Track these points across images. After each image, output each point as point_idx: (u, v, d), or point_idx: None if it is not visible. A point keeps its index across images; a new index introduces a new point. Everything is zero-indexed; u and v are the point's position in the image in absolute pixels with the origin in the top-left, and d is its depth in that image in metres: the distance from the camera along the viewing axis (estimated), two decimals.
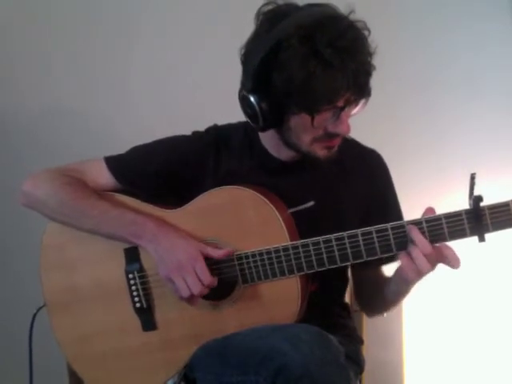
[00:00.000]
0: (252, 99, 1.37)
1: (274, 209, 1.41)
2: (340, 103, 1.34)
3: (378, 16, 2.03)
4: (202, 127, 1.62)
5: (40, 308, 1.60)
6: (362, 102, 1.37)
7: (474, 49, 2.07)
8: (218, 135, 1.58)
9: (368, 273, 1.57)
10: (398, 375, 2.17)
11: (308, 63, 1.30)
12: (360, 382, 1.61)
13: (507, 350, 2.10)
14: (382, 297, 1.53)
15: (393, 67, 2.05)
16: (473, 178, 1.28)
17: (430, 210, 1.34)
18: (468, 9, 2.05)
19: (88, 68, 2.18)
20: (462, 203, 1.32)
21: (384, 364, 2.15)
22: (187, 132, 1.61)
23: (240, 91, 1.40)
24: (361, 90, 1.34)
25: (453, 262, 1.31)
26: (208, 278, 1.40)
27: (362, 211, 1.41)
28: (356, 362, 1.57)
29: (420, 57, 2.10)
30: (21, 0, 2.18)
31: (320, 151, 1.44)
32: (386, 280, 1.50)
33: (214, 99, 1.99)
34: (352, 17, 1.36)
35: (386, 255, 1.35)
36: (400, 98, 2.09)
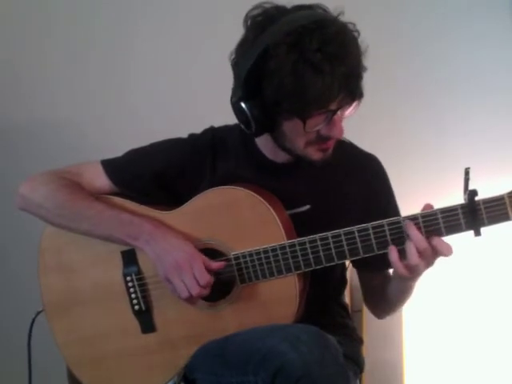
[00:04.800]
0: (243, 106, 1.37)
1: (270, 208, 1.41)
2: (332, 107, 1.34)
3: (378, 15, 2.05)
4: (199, 129, 1.62)
5: (39, 312, 1.60)
6: (355, 103, 1.36)
7: (473, 48, 2.07)
8: (214, 137, 1.58)
9: (375, 278, 1.56)
10: (397, 375, 2.15)
11: (297, 70, 1.29)
12: (360, 381, 1.61)
13: (507, 349, 2.09)
14: (386, 297, 1.52)
15: (392, 66, 2.05)
16: (467, 172, 1.28)
17: (429, 206, 1.33)
18: (468, 9, 2.05)
19: (86, 70, 2.19)
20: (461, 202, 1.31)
21: (384, 364, 2.13)
22: (184, 134, 1.61)
23: (231, 98, 1.40)
24: (352, 93, 1.34)
25: (444, 249, 1.29)
26: (205, 278, 1.40)
27: (358, 216, 1.39)
28: (355, 362, 1.56)
29: (420, 56, 2.10)
30: (21, 0, 2.19)
31: (314, 154, 1.43)
32: (390, 280, 1.51)
33: (211, 101, 1.99)
34: (341, 18, 1.34)
35: (382, 252, 1.34)
36: (399, 97, 2.10)
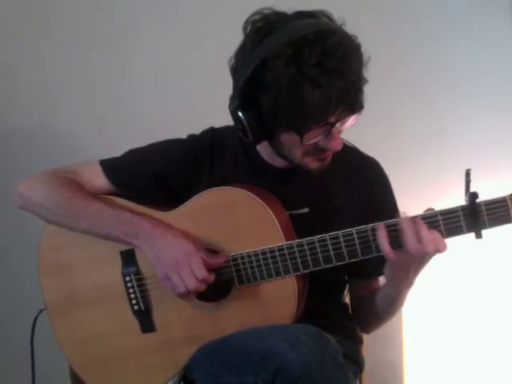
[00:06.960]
0: (240, 115, 1.36)
1: (268, 209, 1.41)
2: (330, 120, 1.33)
3: (378, 15, 2.04)
4: (198, 130, 1.62)
5: (41, 310, 1.60)
6: (355, 115, 1.35)
7: (473, 48, 2.06)
8: (214, 138, 1.58)
9: (366, 286, 1.57)
10: (397, 375, 2.16)
11: (295, 83, 1.28)
12: (360, 381, 1.61)
13: (507, 349, 2.09)
14: (374, 308, 1.52)
15: (392, 66, 2.05)
16: (468, 174, 1.28)
17: (430, 210, 1.32)
18: (468, 9, 2.05)
19: (85, 70, 2.19)
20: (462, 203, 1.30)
21: (384, 364, 2.14)
22: (184, 135, 1.61)
23: (229, 105, 1.39)
24: (351, 107, 1.32)
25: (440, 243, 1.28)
26: (203, 273, 1.39)
27: (358, 220, 1.38)
28: (355, 362, 1.56)
29: (419, 56, 2.09)
30: (21, 1, 2.19)
31: (312, 164, 1.43)
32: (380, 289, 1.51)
33: (211, 101, 1.98)
34: (343, 28, 1.33)
35: (381, 253, 1.33)
36: (399, 97, 2.09)
